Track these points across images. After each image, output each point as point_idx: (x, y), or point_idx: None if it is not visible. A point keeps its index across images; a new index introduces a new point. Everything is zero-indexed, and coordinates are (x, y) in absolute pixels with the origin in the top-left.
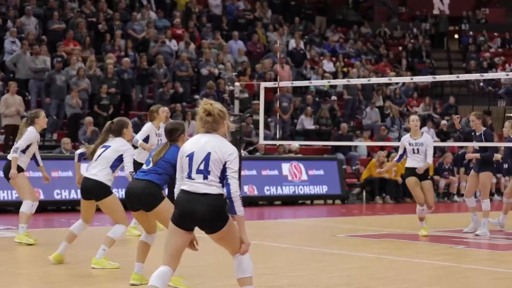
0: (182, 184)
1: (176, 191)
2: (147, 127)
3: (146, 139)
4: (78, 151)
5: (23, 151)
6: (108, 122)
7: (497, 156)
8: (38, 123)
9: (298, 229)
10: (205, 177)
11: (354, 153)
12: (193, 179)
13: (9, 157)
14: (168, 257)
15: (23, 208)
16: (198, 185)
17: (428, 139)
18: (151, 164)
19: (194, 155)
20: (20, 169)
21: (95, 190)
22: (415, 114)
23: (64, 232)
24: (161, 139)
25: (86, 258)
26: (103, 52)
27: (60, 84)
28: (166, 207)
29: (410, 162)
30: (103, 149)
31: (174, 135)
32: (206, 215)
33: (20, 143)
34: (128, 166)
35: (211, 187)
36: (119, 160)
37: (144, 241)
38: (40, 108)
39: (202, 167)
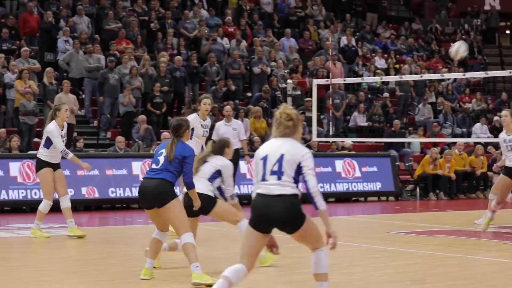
0: (257, 188)
1: (253, 195)
2: (191, 119)
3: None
4: None
5: (46, 146)
6: (210, 142)
7: None
8: (59, 116)
9: (352, 226)
10: (279, 178)
11: (407, 149)
12: (267, 181)
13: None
14: (245, 257)
15: (40, 207)
16: (273, 187)
17: None
18: (161, 163)
19: (268, 157)
20: (44, 165)
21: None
22: (508, 109)
23: (118, 229)
24: (207, 131)
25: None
26: (155, 51)
27: (113, 82)
28: (177, 205)
29: (508, 162)
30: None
31: (179, 131)
32: (282, 216)
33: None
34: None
35: (285, 187)
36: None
37: (156, 238)
38: (63, 103)
39: (276, 168)
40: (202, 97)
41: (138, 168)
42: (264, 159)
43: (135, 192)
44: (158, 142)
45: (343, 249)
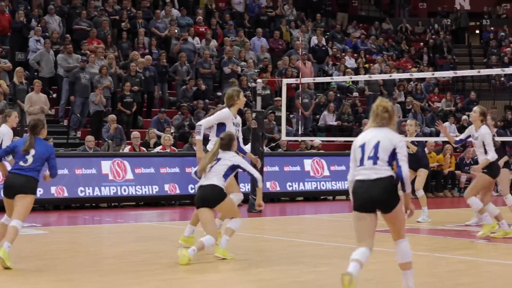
0: (356, 175)
1: (350, 182)
2: (224, 113)
3: (220, 128)
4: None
5: None
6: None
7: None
8: (9, 121)
9: (320, 225)
10: (375, 163)
11: None
12: (365, 166)
13: None
14: (364, 239)
15: None
16: (370, 172)
17: (482, 131)
18: (29, 162)
19: (366, 145)
20: None
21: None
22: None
23: (85, 229)
24: (238, 130)
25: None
26: (126, 50)
27: (84, 82)
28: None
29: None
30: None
31: (36, 129)
32: (381, 196)
33: None
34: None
35: (381, 171)
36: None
37: (4, 223)
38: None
39: (372, 154)
40: (238, 90)
41: (108, 167)
42: (362, 146)
43: (104, 192)
44: (128, 141)
45: (312, 247)
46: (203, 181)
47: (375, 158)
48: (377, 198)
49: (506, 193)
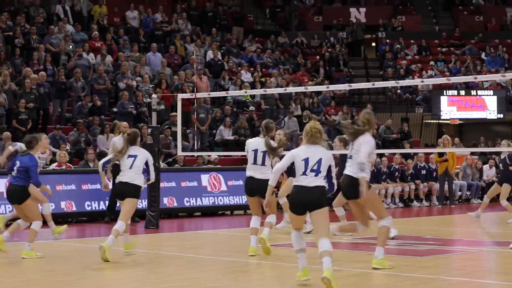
0: (297, 181)
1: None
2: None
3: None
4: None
5: None
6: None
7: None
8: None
9: (218, 240)
10: (316, 175)
11: None
12: (307, 176)
13: None
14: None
15: None
16: (310, 180)
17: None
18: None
19: (309, 159)
20: None
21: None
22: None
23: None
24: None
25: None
26: (20, 67)
27: None
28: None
29: None
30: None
31: (30, 144)
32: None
33: None
34: None
35: (319, 180)
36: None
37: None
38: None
39: (315, 167)
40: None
41: (3, 185)
42: (306, 160)
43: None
44: None
45: (210, 263)
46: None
47: (317, 171)
48: (312, 201)
49: None
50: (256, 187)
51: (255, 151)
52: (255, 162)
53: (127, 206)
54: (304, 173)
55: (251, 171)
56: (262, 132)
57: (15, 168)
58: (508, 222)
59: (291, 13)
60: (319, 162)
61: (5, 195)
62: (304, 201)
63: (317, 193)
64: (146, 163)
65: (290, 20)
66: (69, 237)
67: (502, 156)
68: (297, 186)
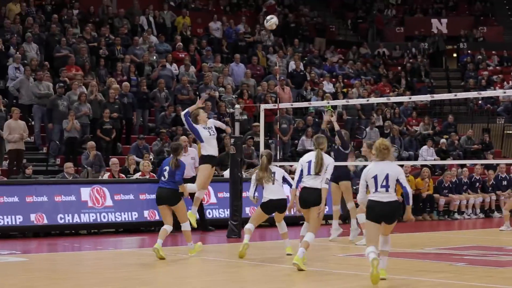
0: (370, 196)
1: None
2: None
3: None
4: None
5: None
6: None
7: None
8: None
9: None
10: (387, 190)
11: None
12: (378, 191)
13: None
14: (372, 240)
15: None
16: (382, 196)
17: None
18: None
19: (378, 176)
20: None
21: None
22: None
23: (64, 256)
24: None
25: None
26: (105, 77)
27: (62, 109)
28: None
29: None
30: None
31: (177, 151)
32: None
33: None
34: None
35: (391, 195)
36: None
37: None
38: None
39: (384, 183)
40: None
41: (87, 194)
42: (375, 177)
43: (83, 218)
44: (107, 168)
45: (293, 271)
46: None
47: (386, 186)
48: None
49: None
50: (309, 197)
51: (309, 162)
52: (309, 173)
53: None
54: (376, 191)
55: (305, 182)
56: (314, 146)
57: (165, 173)
58: (500, 229)
59: (372, 24)
60: (386, 177)
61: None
62: (380, 214)
63: (389, 208)
64: None
65: (371, 31)
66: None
67: None
68: (371, 201)
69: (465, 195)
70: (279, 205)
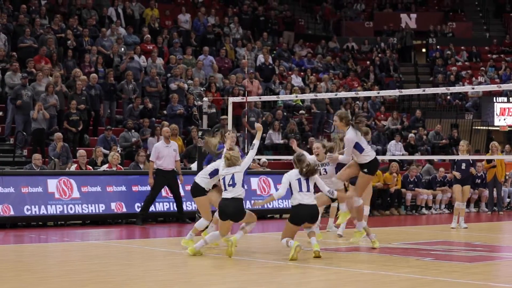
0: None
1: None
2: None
3: None
4: None
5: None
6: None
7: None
8: None
9: (267, 243)
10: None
11: None
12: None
13: None
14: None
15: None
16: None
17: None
18: None
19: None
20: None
21: None
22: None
23: (31, 247)
24: None
25: None
26: (72, 68)
27: (26, 99)
28: None
29: None
30: None
31: None
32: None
33: None
34: None
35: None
36: None
37: None
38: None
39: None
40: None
41: (54, 185)
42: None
43: (50, 210)
44: (75, 159)
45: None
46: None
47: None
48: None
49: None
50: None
51: (299, 179)
52: (300, 190)
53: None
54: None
55: (298, 199)
56: (295, 165)
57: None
58: (451, 227)
59: (341, 18)
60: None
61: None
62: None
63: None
64: None
65: (340, 26)
66: (118, 238)
67: None
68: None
69: (431, 190)
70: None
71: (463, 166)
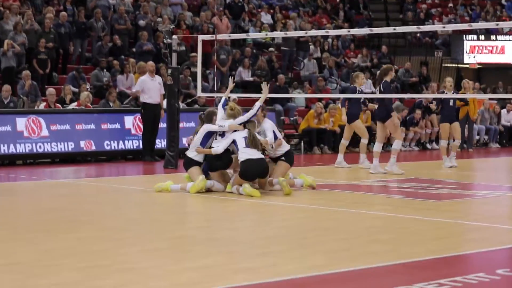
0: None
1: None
2: None
3: None
4: None
5: None
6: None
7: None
8: None
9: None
10: None
11: (292, 104)
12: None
13: None
14: None
15: None
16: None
17: None
18: None
19: None
20: None
21: None
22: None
23: (1, 186)
24: None
25: None
26: (41, 6)
27: None
28: None
29: None
30: None
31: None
32: None
33: None
34: None
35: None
36: None
37: None
38: None
39: None
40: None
41: (23, 124)
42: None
43: (19, 148)
44: (43, 97)
45: (225, 204)
46: None
47: None
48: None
49: None
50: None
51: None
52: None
53: None
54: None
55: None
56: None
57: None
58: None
59: None
60: None
61: None
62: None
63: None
64: None
65: None
66: (87, 176)
67: None
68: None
69: (404, 128)
70: None
71: (451, 103)
